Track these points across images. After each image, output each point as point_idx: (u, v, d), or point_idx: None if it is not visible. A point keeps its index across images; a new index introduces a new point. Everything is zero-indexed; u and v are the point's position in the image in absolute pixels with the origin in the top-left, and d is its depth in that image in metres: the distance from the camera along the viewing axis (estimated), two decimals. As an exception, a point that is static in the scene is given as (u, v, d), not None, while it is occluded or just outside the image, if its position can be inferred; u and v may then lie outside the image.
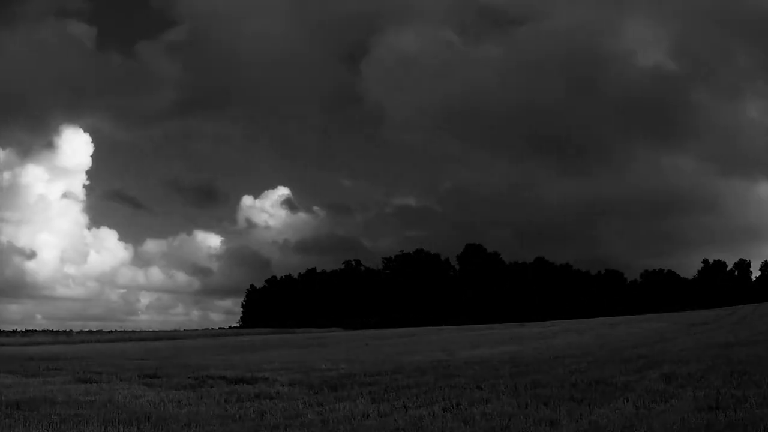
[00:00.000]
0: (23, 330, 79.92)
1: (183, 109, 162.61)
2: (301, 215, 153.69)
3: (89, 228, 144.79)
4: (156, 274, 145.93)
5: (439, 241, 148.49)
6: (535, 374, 13.40)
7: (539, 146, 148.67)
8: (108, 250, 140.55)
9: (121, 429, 8.83)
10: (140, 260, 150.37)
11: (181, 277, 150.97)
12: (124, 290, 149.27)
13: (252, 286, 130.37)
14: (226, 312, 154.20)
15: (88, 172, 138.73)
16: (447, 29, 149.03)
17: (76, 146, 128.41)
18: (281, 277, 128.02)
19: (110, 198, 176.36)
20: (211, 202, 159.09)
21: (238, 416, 9.71)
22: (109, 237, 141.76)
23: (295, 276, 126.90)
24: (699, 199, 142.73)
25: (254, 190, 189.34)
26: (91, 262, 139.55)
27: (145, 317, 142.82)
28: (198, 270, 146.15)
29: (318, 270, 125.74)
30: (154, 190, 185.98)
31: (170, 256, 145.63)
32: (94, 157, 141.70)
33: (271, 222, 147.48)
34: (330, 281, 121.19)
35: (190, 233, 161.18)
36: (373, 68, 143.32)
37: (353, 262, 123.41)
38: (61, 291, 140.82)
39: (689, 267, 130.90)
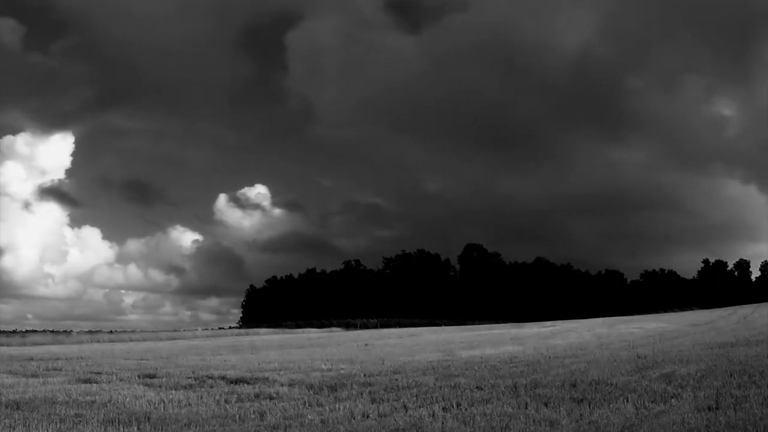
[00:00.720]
0: (23, 330, 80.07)
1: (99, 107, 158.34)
2: (258, 214, 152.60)
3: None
4: (135, 273, 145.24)
5: (405, 239, 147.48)
6: (535, 374, 13.40)
7: (481, 140, 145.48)
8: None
9: (121, 429, 8.83)
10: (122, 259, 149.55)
11: (158, 276, 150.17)
12: (107, 290, 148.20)
13: (252, 286, 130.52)
14: (214, 312, 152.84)
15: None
16: (368, 18, 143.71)
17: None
18: (281, 277, 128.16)
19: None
20: (144, 198, 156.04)
21: (238, 416, 9.71)
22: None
23: (295, 276, 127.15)
24: (654, 195, 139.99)
25: (196, 188, 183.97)
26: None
27: (135, 317, 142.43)
28: (173, 269, 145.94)
29: (318, 270, 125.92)
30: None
31: (142, 255, 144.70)
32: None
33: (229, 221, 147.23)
34: (330, 281, 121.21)
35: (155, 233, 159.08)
36: (296, 61, 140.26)
37: (353, 262, 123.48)
38: (41, 291, 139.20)
39: (689, 267, 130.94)
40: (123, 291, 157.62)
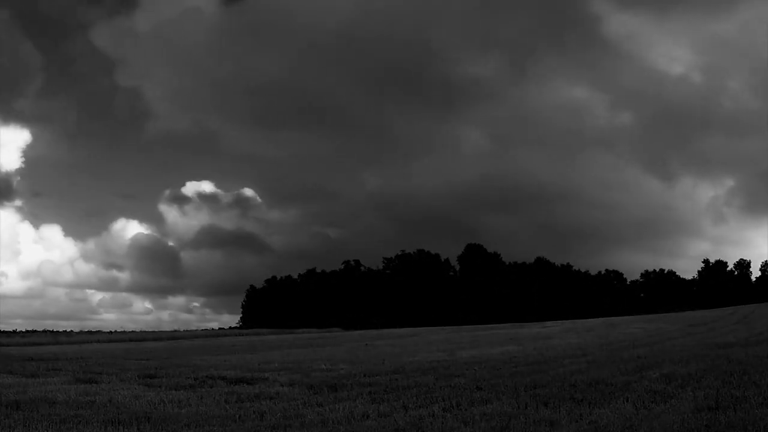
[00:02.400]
0: (23, 330, 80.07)
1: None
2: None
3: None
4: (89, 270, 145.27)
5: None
6: (535, 374, 13.40)
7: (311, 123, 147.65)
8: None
9: (121, 429, 8.83)
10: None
11: (112, 274, 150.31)
12: (68, 289, 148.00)
13: (252, 286, 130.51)
14: (186, 310, 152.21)
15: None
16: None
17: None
18: (281, 277, 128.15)
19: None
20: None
21: (237, 416, 9.71)
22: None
23: (295, 276, 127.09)
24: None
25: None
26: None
27: (112, 316, 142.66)
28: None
29: (318, 270, 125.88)
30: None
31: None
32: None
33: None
34: (330, 281, 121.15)
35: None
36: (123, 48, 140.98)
37: (353, 262, 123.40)
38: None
39: (689, 267, 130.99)
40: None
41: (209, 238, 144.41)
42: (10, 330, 78.64)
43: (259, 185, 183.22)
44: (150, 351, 32.11)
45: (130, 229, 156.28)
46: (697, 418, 7.90)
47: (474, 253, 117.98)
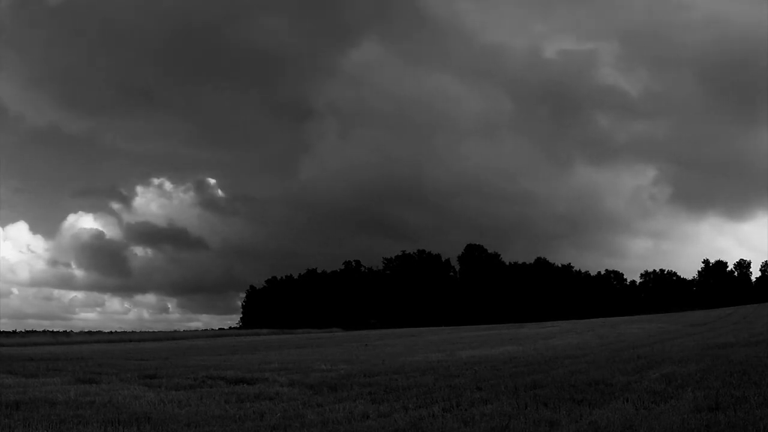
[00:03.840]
0: (23, 330, 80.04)
1: None
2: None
3: None
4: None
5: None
6: (535, 375, 13.39)
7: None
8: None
9: (121, 429, 8.82)
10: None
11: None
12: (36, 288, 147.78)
13: (252, 286, 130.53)
14: (160, 309, 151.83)
15: None
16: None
17: None
18: (281, 277, 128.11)
19: None
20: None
21: (237, 417, 9.70)
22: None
23: (295, 276, 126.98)
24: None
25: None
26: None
27: (92, 315, 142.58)
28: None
29: (318, 270, 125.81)
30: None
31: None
32: None
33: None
34: (330, 281, 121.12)
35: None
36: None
37: (353, 263, 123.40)
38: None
39: (689, 267, 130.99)
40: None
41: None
42: (10, 330, 78.72)
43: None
44: (150, 351, 32.09)
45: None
46: (697, 419, 7.89)
47: (474, 254, 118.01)
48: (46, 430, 8.71)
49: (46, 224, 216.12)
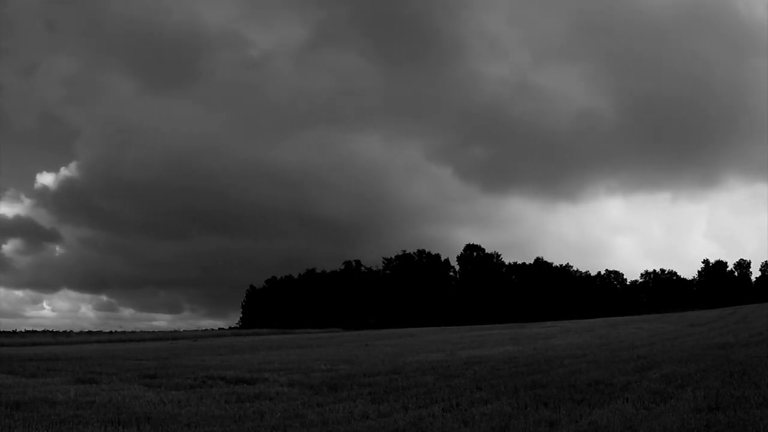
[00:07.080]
0: (23, 330, 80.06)
1: None
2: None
3: None
4: None
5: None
6: (535, 375, 13.39)
7: None
8: None
9: (121, 429, 8.82)
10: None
11: None
12: None
13: (252, 286, 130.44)
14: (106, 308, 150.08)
15: None
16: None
17: None
18: (281, 277, 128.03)
19: None
20: None
21: (237, 417, 9.70)
22: None
23: (295, 276, 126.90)
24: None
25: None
26: None
27: (55, 314, 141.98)
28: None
29: (318, 270, 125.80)
30: None
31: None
32: None
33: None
34: (330, 281, 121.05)
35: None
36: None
37: (353, 263, 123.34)
38: None
39: (689, 267, 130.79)
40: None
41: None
42: (10, 330, 78.72)
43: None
44: (150, 351, 32.08)
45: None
46: (697, 418, 7.89)
47: (474, 254, 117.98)
48: (46, 430, 8.71)
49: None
